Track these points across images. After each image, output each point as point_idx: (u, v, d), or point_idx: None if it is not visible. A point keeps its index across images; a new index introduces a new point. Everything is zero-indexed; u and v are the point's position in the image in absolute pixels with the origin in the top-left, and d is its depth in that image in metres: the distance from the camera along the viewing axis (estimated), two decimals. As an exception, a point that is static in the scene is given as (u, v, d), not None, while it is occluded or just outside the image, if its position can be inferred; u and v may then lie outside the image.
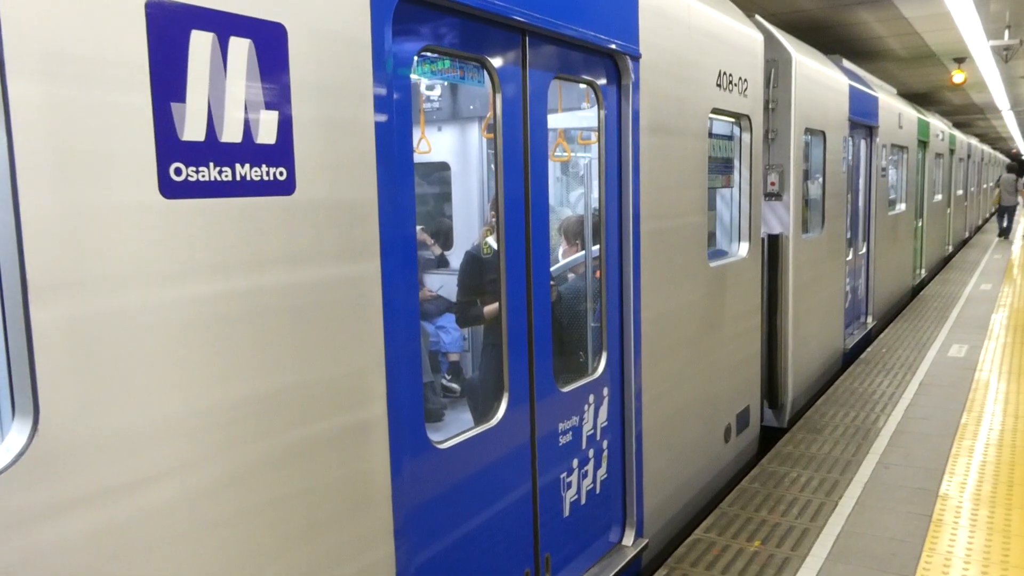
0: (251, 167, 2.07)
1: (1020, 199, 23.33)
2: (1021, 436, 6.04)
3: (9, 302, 1.68)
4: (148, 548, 1.90)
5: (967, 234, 22.69)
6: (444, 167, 6.63)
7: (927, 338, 9.57)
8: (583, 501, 3.78)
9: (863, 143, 9.50)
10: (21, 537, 1.65)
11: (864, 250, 9.86)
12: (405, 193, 2.62)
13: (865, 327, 9.90)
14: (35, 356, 1.66)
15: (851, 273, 9.12)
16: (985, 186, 29.32)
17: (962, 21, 10.37)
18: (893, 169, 11.33)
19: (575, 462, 3.71)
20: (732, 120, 5.51)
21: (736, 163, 5.62)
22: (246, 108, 2.06)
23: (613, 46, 3.71)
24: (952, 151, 17.71)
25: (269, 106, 2.11)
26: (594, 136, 4.04)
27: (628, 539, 4.13)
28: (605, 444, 3.94)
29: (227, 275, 2.04)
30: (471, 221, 6.56)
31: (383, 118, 2.47)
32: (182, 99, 1.91)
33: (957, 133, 19.38)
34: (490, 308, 4.37)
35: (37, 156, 1.65)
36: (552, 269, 3.76)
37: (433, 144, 6.06)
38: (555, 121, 5.02)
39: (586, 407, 3.78)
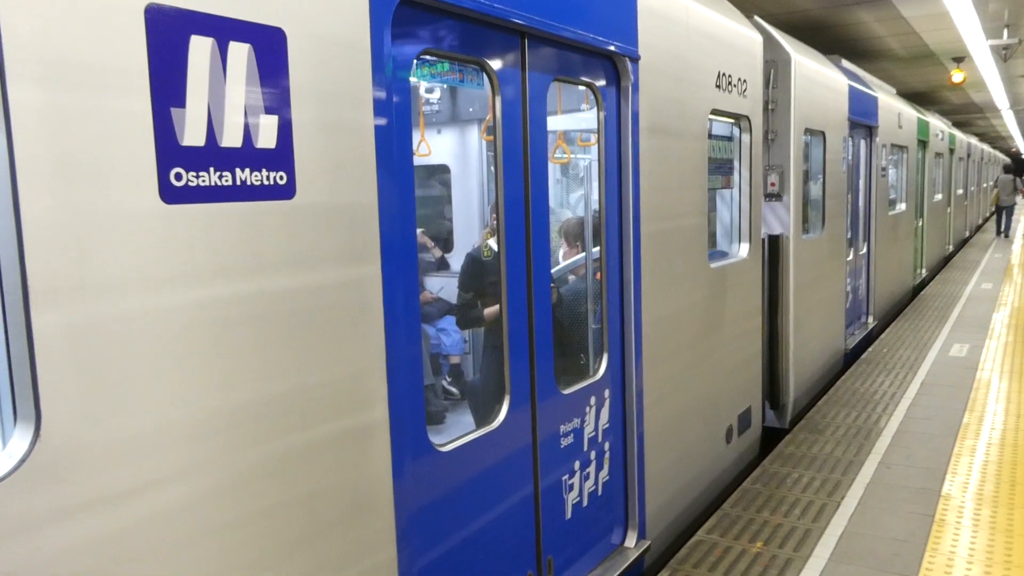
0: (251, 171, 2.08)
1: (1019, 198, 23.43)
2: (1023, 435, 6.03)
3: (10, 307, 1.68)
4: (150, 553, 1.89)
5: (967, 233, 22.71)
6: (444, 170, 6.64)
7: (928, 338, 9.57)
8: (585, 503, 3.78)
9: (863, 143, 9.50)
10: (24, 543, 1.65)
11: (864, 250, 9.86)
12: (405, 196, 2.62)
13: (866, 327, 9.90)
14: (36, 361, 1.66)
15: (852, 273, 9.12)
16: (985, 185, 29.36)
17: (961, 21, 10.38)
18: (893, 169, 11.33)
19: (577, 464, 3.71)
20: (732, 121, 5.51)
21: (736, 164, 5.62)
22: (246, 113, 2.06)
23: (612, 48, 3.71)
24: (952, 150, 17.71)
25: (269, 110, 2.12)
26: (594, 138, 4.04)
27: (630, 541, 4.13)
28: (607, 446, 3.94)
29: (228, 279, 2.04)
30: (471, 223, 6.57)
31: (383, 121, 2.47)
32: (182, 104, 1.91)
33: (957, 132, 19.38)
34: (491, 310, 4.37)
35: (38, 161, 1.65)
36: (553, 271, 3.76)
37: (433, 147, 6.06)
38: (555, 123, 5.02)
39: (587, 409, 3.77)
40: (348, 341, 2.39)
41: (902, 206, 11.90)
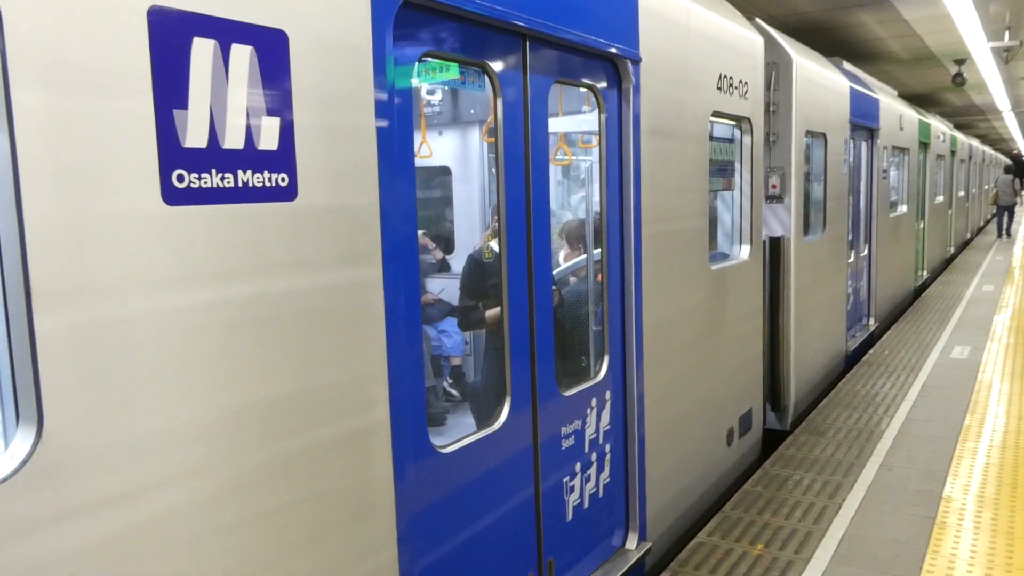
0: (253, 173, 2.08)
1: (1018, 199, 23.58)
2: (1024, 437, 6.03)
3: (13, 309, 1.69)
4: (153, 556, 1.90)
5: (969, 235, 22.73)
6: (445, 171, 6.64)
7: (929, 340, 9.56)
8: (586, 505, 3.78)
9: (864, 145, 9.50)
10: (26, 545, 1.66)
11: (866, 252, 9.86)
12: (407, 198, 2.62)
13: (867, 329, 9.90)
14: (39, 363, 1.67)
15: (853, 275, 9.12)
16: (987, 187, 29.41)
17: (962, 23, 10.38)
18: (894, 171, 11.33)
19: (578, 466, 3.71)
20: (733, 123, 5.51)
21: (737, 166, 5.63)
22: (248, 115, 2.06)
23: (613, 50, 3.72)
24: (953, 152, 17.71)
25: (271, 112, 2.12)
26: (595, 140, 4.05)
27: (631, 543, 4.13)
28: (608, 448, 3.94)
29: (230, 281, 2.04)
30: (472, 225, 6.57)
31: (384, 123, 2.47)
32: (184, 106, 1.91)
33: (958, 134, 19.38)
34: (492, 312, 4.37)
35: (40, 163, 1.66)
36: (554, 273, 3.76)
37: (434, 148, 6.06)
38: (556, 125, 5.03)
39: (588, 411, 3.78)
40: (349, 343, 2.39)
41: (903, 208, 11.90)
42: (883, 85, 11.55)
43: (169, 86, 1.88)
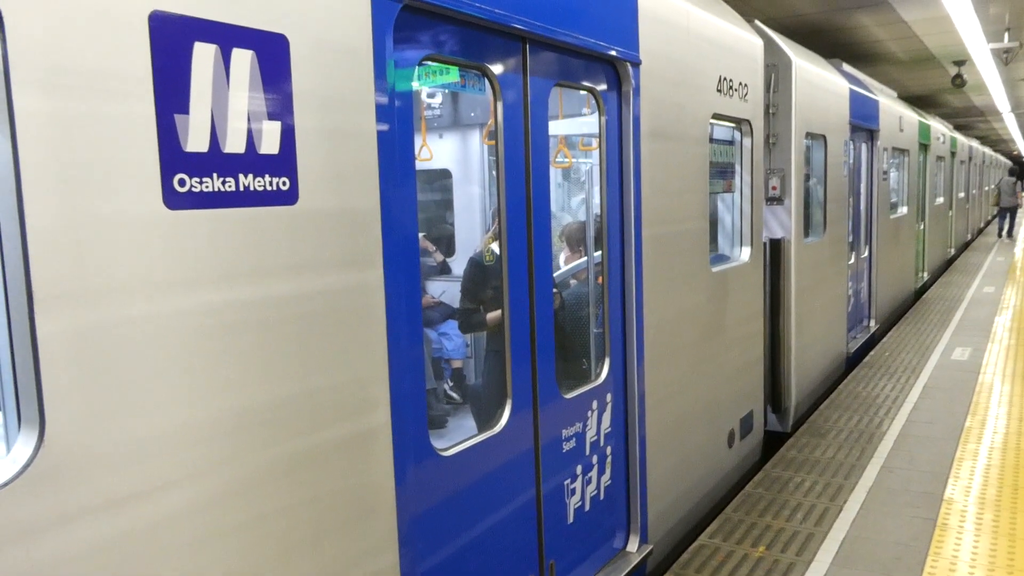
0: (254, 177, 2.08)
1: (1020, 201, 23.86)
2: (1025, 439, 6.03)
3: (15, 313, 1.69)
4: (155, 558, 1.90)
5: (969, 236, 22.76)
6: (446, 174, 6.65)
7: (930, 341, 9.56)
8: (587, 507, 3.78)
9: (864, 146, 9.50)
10: (28, 548, 1.66)
11: (866, 253, 9.86)
12: (407, 201, 2.63)
13: (868, 331, 9.89)
14: (41, 367, 1.67)
15: (853, 277, 9.12)
16: (987, 188, 29.47)
17: (962, 24, 10.38)
18: (894, 172, 11.33)
19: (579, 468, 3.71)
20: (733, 125, 5.52)
21: (737, 168, 5.63)
22: (249, 119, 2.07)
23: (613, 53, 3.72)
24: (953, 154, 17.71)
25: (272, 116, 2.13)
26: (595, 142, 4.05)
27: (632, 545, 4.13)
28: (609, 450, 3.94)
29: (231, 285, 2.04)
30: (473, 228, 6.57)
31: (385, 127, 2.48)
32: (185, 110, 1.92)
33: (958, 136, 19.39)
34: (493, 314, 4.38)
35: (42, 167, 1.66)
36: (554, 275, 3.76)
37: (435, 151, 6.07)
38: (556, 127, 5.03)
39: (589, 413, 3.78)
40: (350, 345, 2.39)
41: (903, 209, 11.90)
42: (883, 87, 11.55)
43: (170, 90, 1.89)
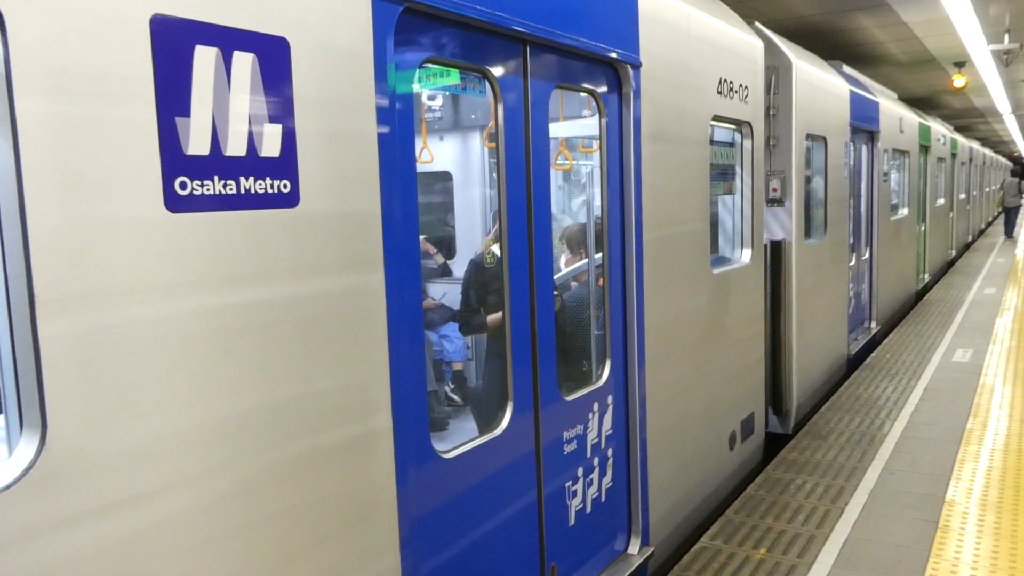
0: (255, 180, 2.09)
1: (1023, 201, 24.33)
2: (1027, 440, 6.02)
3: (17, 316, 1.69)
4: (156, 561, 1.90)
5: (970, 238, 22.81)
6: (446, 177, 6.65)
7: (931, 343, 9.56)
8: (588, 510, 3.78)
9: (864, 148, 9.51)
10: (30, 551, 1.66)
11: (867, 255, 9.86)
12: (408, 204, 2.63)
13: (869, 332, 9.89)
14: (43, 370, 1.67)
15: (854, 278, 9.11)
16: (988, 190, 29.54)
17: (962, 25, 10.38)
18: (895, 174, 11.33)
19: (580, 471, 3.71)
20: (733, 127, 5.52)
21: (738, 170, 5.63)
22: (250, 122, 2.07)
23: (614, 55, 3.73)
24: (954, 155, 17.71)
25: (272, 119, 2.13)
26: (596, 144, 4.05)
27: (634, 547, 4.12)
28: (610, 452, 3.94)
29: (232, 287, 2.05)
30: (474, 230, 6.58)
31: (386, 130, 2.48)
32: (187, 113, 1.92)
33: (959, 137, 19.39)
34: (493, 317, 4.38)
35: (44, 171, 1.67)
36: (555, 277, 3.77)
37: (435, 154, 6.07)
38: (556, 130, 5.04)
39: (590, 415, 3.78)
40: (352, 348, 2.39)
41: (904, 211, 11.90)
42: (883, 88, 11.56)
43: (172, 93, 1.89)
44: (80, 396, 1.74)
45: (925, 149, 13.52)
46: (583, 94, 4.09)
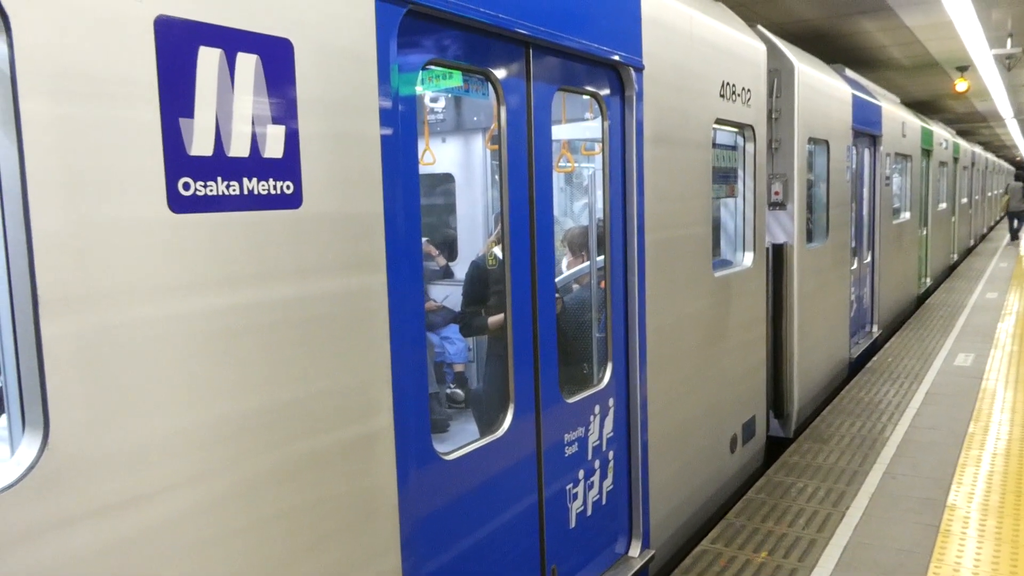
0: (258, 181, 2.09)
1: None
2: (1028, 445, 6.01)
3: (20, 316, 1.70)
4: (158, 561, 1.90)
5: (972, 242, 22.79)
6: (449, 179, 6.66)
7: (933, 347, 9.55)
8: (589, 512, 3.78)
9: (867, 152, 9.51)
10: (32, 551, 1.66)
11: (869, 259, 9.85)
12: (411, 205, 2.63)
13: (870, 336, 9.88)
14: (45, 370, 1.67)
15: (856, 282, 9.11)
16: (990, 194, 29.60)
17: (964, 30, 10.39)
18: (897, 177, 11.33)
19: (581, 473, 3.70)
20: (735, 130, 5.52)
21: (740, 173, 5.63)
22: (253, 123, 2.07)
23: (616, 58, 3.73)
24: (956, 159, 17.71)
25: (276, 121, 2.13)
26: (598, 147, 4.06)
27: (634, 550, 4.12)
28: (611, 455, 3.94)
29: (235, 288, 2.05)
30: (476, 232, 6.58)
31: (389, 131, 2.49)
32: (190, 115, 1.93)
33: (961, 141, 19.38)
34: (495, 318, 4.38)
35: (48, 171, 1.67)
36: (557, 280, 3.77)
37: (438, 156, 6.08)
38: (559, 132, 5.04)
39: (592, 418, 3.78)
40: (354, 349, 2.40)
41: (906, 215, 11.90)
42: (885, 92, 11.56)
43: (175, 94, 1.89)
44: (82, 396, 1.74)
45: (927, 153, 13.52)
46: (586, 96, 4.09)
